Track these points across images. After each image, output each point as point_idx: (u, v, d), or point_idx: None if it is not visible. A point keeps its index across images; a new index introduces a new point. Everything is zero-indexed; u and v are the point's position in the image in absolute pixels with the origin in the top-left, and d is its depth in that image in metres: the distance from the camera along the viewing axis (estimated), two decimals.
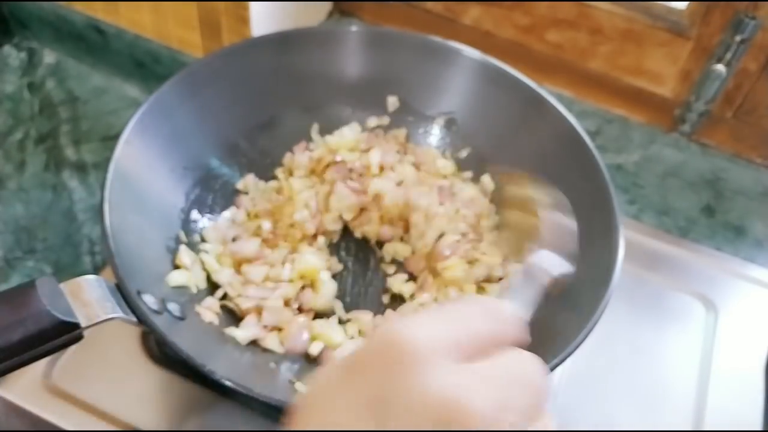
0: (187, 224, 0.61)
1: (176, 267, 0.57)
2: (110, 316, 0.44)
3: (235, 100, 0.65)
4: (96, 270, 0.70)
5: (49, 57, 0.92)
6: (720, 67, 0.71)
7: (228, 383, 0.44)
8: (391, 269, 0.64)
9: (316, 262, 0.59)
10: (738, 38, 0.68)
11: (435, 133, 0.71)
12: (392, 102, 0.71)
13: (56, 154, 0.81)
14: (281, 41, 0.66)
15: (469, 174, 0.69)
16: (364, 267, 0.65)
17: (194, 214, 0.62)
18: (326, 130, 0.70)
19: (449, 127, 0.70)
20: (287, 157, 0.68)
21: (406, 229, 0.65)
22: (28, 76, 0.90)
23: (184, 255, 0.57)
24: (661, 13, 0.73)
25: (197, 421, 0.56)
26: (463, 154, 0.70)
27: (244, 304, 0.56)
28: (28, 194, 0.76)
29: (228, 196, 0.65)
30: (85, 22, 0.85)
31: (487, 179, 0.68)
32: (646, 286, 0.71)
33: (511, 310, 0.32)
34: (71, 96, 0.88)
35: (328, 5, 0.89)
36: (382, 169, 0.66)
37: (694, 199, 0.79)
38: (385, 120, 0.71)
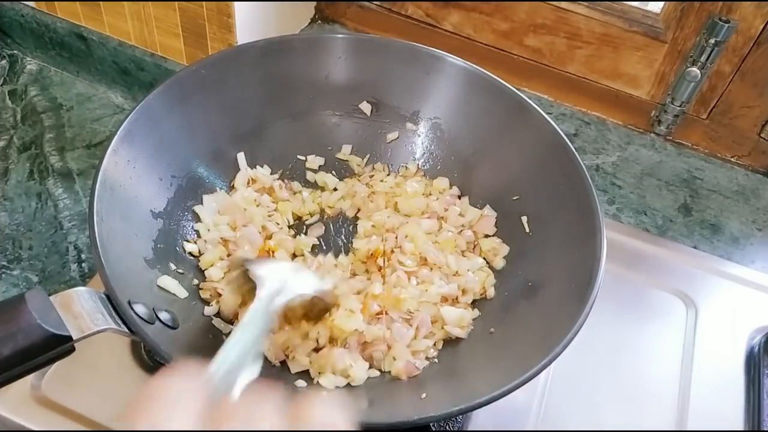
0: (175, 232, 0.62)
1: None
2: (102, 327, 0.44)
3: (221, 107, 0.66)
4: (83, 278, 0.70)
5: (31, 64, 0.91)
6: (695, 70, 0.73)
7: None
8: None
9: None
10: (712, 41, 0.70)
11: (420, 139, 0.72)
12: (377, 108, 0.71)
13: (40, 162, 0.80)
14: (267, 49, 0.67)
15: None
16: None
17: (182, 222, 0.63)
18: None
19: (434, 132, 0.71)
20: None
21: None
22: (10, 83, 0.89)
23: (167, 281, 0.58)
24: (636, 17, 0.75)
25: None
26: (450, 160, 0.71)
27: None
28: (13, 203, 0.76)
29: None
30: (67, 29, 0.85)
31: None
32: (627, 284, 0.72)
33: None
34: (55, 103, 0.87)
35: (311, 11, 0.90)
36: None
37: (671, 198, 0.81)
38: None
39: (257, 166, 0.69)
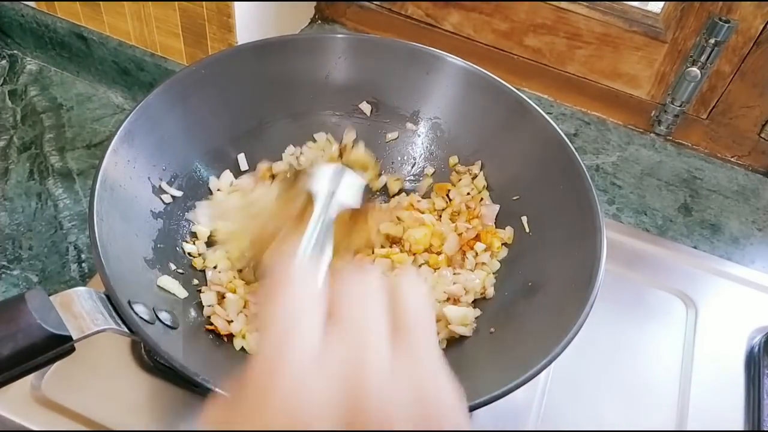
0: (175, 232, 0.62)
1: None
2: (102, 327, 0.44)
3: (221, 107, 0.66)
4: (83, 278, 0.70)
5: (31, 64, 0.92)
6: (695, 70, 0.73)
7: (221, 392, 0.44)
8: None
9: None
10: (712, 41, 0.70)
11: (420, 139, 0.72)
12: (376, 108, 0.71)
13: (40, 162, 0.80)
14: (267, 49, 0.67)
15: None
16: None
17: (182, 222, 0.63)
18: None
19: (434, 132, 0.71)
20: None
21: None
22: (10, 83, 0.89)
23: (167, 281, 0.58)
24: (636, 17, 0.75)
25: (189, 429, 0.56)
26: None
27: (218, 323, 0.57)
28: (13, 202, 0.76)
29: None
30: (67, 29, 0.85)
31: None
32: (627, 284, 0.72)
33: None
34: (55, 103, 0.88)
35: (311, 11, 0.90)
36: None
37: (671, 198, 0.81)
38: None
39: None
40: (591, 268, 0.54)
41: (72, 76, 0.91)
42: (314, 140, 0.71)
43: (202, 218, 0.64)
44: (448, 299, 0.61)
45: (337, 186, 0.58)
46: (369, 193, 0.68)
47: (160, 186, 0.61)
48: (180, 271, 0.59)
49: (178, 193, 0.63)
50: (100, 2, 0.80)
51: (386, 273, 0.35)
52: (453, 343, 0.59)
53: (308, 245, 0.48)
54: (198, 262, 0.61)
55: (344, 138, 0.71)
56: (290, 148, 0.70)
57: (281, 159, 0.70)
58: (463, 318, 0.59)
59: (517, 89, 0.66)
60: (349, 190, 0.59)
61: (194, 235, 0.63)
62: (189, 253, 0.62)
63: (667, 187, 0.81)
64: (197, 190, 0.65)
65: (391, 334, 0.30)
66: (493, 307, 0.61)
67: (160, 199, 0.61)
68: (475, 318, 0.60)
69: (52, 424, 0.56)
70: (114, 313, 0.46)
